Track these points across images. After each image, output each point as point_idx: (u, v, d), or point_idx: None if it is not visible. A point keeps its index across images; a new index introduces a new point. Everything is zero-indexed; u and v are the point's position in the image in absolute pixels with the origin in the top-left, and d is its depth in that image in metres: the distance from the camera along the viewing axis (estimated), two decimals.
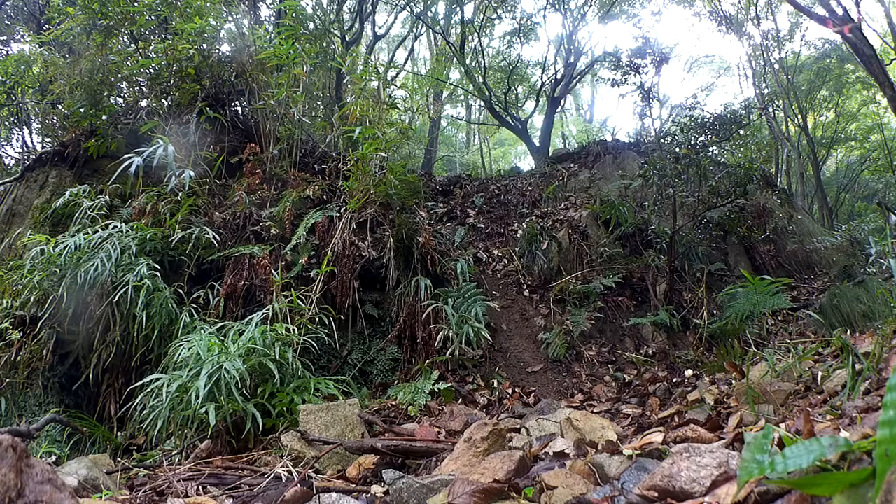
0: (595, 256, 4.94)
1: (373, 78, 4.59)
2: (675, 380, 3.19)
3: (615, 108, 27.60)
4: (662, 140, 5.57)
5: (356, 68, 5.80)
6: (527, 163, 15.04)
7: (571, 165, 7.10)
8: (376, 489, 1.35)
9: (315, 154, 4.69)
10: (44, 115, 5.35)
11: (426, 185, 6.12)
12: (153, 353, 2.98)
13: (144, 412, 2.46)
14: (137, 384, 2.56)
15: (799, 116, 12.74)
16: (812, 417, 0.98)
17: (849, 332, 2.68)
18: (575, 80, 11.08)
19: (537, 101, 10.99)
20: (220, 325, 2.79)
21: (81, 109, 4.28)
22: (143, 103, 4.71)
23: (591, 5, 10.89)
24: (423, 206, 4.85)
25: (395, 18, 11.88)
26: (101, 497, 1.54)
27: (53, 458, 2.68)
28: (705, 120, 4.72)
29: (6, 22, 6.79)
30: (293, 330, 2.82)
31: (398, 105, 4.73)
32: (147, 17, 4.50)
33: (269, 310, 2.87)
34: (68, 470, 1.66)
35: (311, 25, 6.70)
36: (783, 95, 12.60)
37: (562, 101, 11.17)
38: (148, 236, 3.30)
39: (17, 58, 5.33)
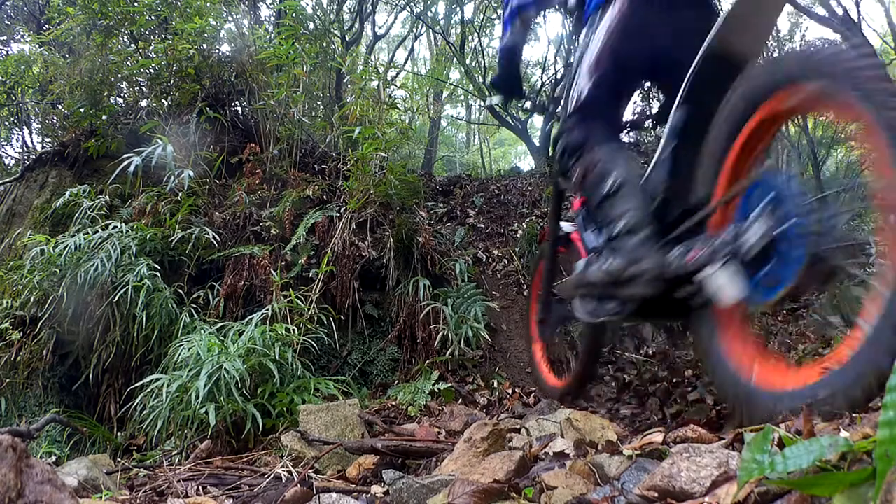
0: None
1: (373, 78, 4.59)
2: (675, 380, 3.19)
3: None
4: None
5: (356, 68, 5.80)
6: (527, 163, 15.03)
7: None
8: (376, 489, 1.35)
9: (315, 154, 4.68)
10: (44, 115, 5.35)
11: (426, 185, 6.12)
12: (153, 353, 2.98)
13: (144, 412, 2.46)
14: (137, 384, 2.57)
15: (799, 116, 12.72)
16: (812, 417, 0.98)
17: (849, 333, 2.67)
18: None
19: (537, 100, 10.97)
20: (220, 325, 2.79)
21: (81, 109, 4.28)
22: (143, 103, 4.71)
23: None
24: (423, 206, 4.85)
25: (395, 18, 11.87)
26: (101, 497, 1.54)
27: (53, 458, 2.68)
28: None
29: (6, 22, 6.79)
30: (293, 330, 2.82)
31: (398, 105, 4.73)
32: (147, 17, 4.49)
33: (268, 310, 2.87)
34: (68, 470, 1.66)
35: (311, 25, 6.69)
36: None
37: (562, 101, 11.13)
38: (148, 236, 3.30)
39: (17, 58, 5.32)
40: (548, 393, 2.44)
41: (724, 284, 1.18)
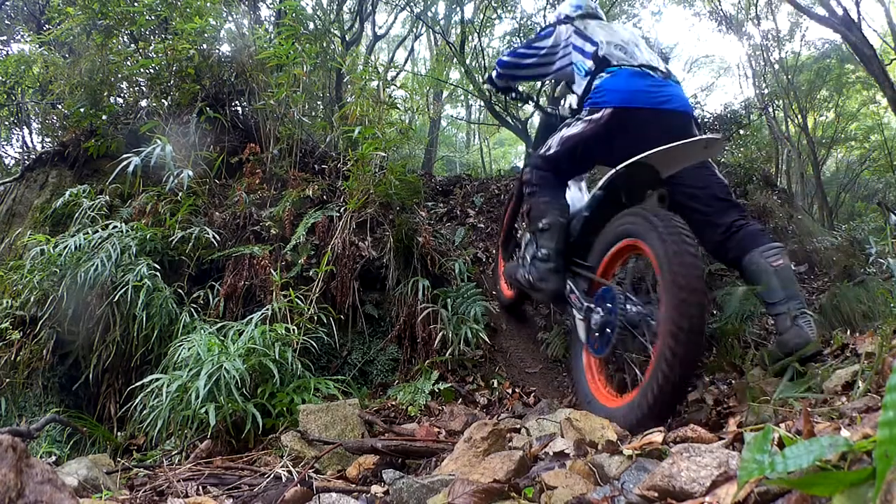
0: None
1: (373, 78, 4.59)
2: None
3: None
4: None
5: (356, 68, 5.80)
6: None
7: None
8: (376, 489, 1.35)
9: (315, 154, 4.68)
10: (44, 115, 5.35)
11: (426, 185, 6.11)
12: (153, 353, 2.97)
13: (144, 412, 2.46)
14: (137, 384, 2.56)
15: (799, 116, 12.74)
16: (812, 417, 0.98)
17: (849, 332, 2.68)
18: None
19: (537, 101, 10.98)
20: (220, 325, 2.79)
21: (81, 109, 4.28)
22: (143, 103, 4.70)
23: None
24: (423, 206, 4.85)
25: (395, 18, 11.88)
26: (101, 497, 1.54)
27: (53, 458, 2.68)
28: (705, 120, 4.71)
29: (6, 22, 6.79)
30: (293, 330, 2.82)
31: (398, 105, 4.73)
32: (147, 17, 4.49)
33: (268, 310, 2.87)
34: (68, 470, 1.66)
35: (311, 25, 6.70)
36: (783, 95, 12.59)
37: (562, 101, 11.13)
38: (148, 236, 3.30)
39: (17, 58, 5.32)
40: (498, 297, 3.65)
41: (577, 329, 2.02)
